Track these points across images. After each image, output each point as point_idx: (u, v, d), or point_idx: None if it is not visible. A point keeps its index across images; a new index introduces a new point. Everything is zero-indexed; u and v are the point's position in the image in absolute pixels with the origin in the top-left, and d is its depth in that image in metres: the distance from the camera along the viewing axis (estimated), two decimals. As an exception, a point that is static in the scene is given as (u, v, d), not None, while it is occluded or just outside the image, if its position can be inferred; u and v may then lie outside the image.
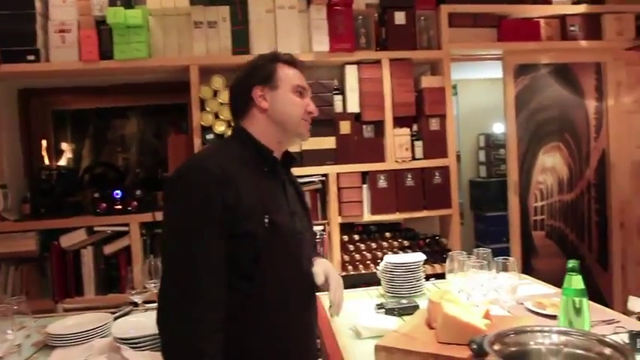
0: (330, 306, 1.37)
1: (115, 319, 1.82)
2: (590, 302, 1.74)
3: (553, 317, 1.58)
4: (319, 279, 1.35)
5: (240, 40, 2.74)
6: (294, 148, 2.63)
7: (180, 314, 1.12)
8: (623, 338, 1.36)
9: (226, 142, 1.50)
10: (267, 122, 1.34)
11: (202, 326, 1.12)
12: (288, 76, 1.36)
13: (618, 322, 1.58)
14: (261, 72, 1.36)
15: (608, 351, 0.87)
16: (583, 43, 3.15)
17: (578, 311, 1.19)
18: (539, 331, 0.96)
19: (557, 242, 3.30)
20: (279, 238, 1.25)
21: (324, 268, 1.39)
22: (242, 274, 1.21)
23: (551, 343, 0.93)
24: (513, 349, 0.93)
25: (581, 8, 3.14)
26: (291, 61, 1.40)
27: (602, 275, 3.29)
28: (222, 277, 1.17)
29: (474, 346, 1.12)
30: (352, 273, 2.74)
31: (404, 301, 1.82)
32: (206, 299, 1.13)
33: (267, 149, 1.33)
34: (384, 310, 1.77)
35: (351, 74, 2.86)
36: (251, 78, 1.36)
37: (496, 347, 0.91)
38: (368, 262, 2.81)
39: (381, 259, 2.14)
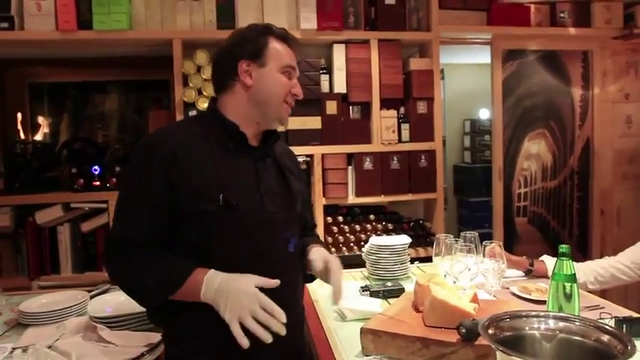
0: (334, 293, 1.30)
1: (92, 297, 1.77)
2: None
3: (539, 302, 1.58)
4: (317, 265, 1.32)
5: (226, 14, 2.66)
6: (279, 128, 2.57)
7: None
8: (610, 324, 1.36)
9: (193, 118, 1.51)
10: (248, 100, 1.28)
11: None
12: (278, 53, 1.28)
13: (602, 307, 1.58)
14: (251, 45, 1.27)
15: (605, 338, 0.85)
16: (572, 30, 3.13)
17: (568, 296, 1.17)
18: (535, 316, 0.94)
19: (539, 229, 3.33)
20: (236, 217, 1.20)
21: (322, 255, 1.35)
22: (197, 254, 1.18)
23: (546, 329, 0.91)
24: (508, 333, 0.91)
25: (572, -6, 3.12)
26: (285, 37, 1.31)
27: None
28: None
29: (463, 330, 1.10)
30: (335, 255, 2.71)
31: (389, 283, 1.80)
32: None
33: (232, 124, 1.27)
34: (368, 292, 1.75)
35: (339, 54, 2.80)
36: (239, 50, 1.27)
37: (490, 331, 0.89)
38: (351, 244, 2.79)
39: (365, 241, 2.11)
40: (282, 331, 1.09)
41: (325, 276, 1.34)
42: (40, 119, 3.17)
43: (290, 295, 1.29)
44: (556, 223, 3.36)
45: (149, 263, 1.17)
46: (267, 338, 1.07)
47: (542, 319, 0.93)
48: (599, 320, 1.37)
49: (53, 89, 3.17)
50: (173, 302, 1.18)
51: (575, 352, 0.87)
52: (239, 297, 1.09)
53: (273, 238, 1.27)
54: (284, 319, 1.10)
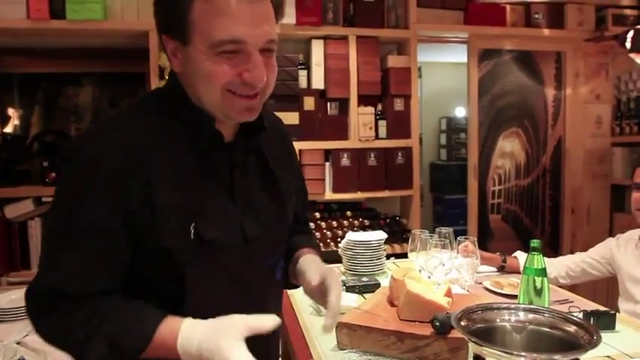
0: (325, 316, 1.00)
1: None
2: (545, 283, 1.78)
3: (510, 296, 1.61)
4: (313, 280, 1.00)
5: (204, 7, 2.63)
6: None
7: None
8: (578, 317, 1.40)
9: (150, 100, 0.97)
10: (187, 89, 0.92)
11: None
12: (206, 22, 0.82)
13: (572, 301, 1.62)
14: (167, 12, 0.87)
15: (572, 329, 0.88)
16: (546, 31, 3.20)
17: (538, 290, 1.20)
18: (506, 309, 0.96)
19: (512, 225, 3.39)
20: (212, 256, 0.90)
21: (320, 269, 1.04)
22: (165, 300, 0.87)
23: (516, 321, 0.94)
24: (480, 325, 0.93)
25: (546, -4, 3.19)
26: None
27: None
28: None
29: (437, 324, 1.11)
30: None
31: (365, 278, 1.81)
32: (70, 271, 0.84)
33: (204, 115, 0.91)
34: (344, 287, 1.76)
35: (317, 49, 2.80)
36: (158, 20, 0.90)
37: (463, 323, 0.90)
38: (328, 240, 2.80)
39: (342, 237, 2.12)
40: None
41: (315, 293, 1.04)
42: (11, 111, 3.09)
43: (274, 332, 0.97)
44: (529, 220, 3.43)
45: (98, 321, 0.83)
46: None
47: (513, 311, 0.96)
48: (568, 313, 1.41)
49: (24, 80, 3.09)
50: None
51: (545, 342, 0.90)
52: None
53: (257, 269, 1.00)
54: None
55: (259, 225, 0.97)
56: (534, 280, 1.21)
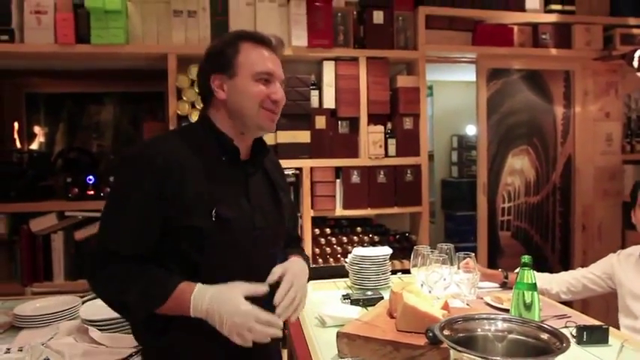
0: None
1: (83, 302, 1.84)
2: (545, 298, 1.83)
3: (509, 311, 1.66)
4: (271, 277, 1.22)
5: (220, 30, 2.75)
6: (268, 140, 2.66)
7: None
8: (572, 331, 1.44)
9: (186, 129, 1.41)
10: (227, 113, 1.25)
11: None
12: (248, 60, 1.22)
13: (569, 317, 1.66)
14: (220, 59, 1.24)
15: (545, 336, 0.94)
16: (553, 51, 3.25)
17: (528, 305, 1.26)
18: (486, 319, 1.02)
19: (523, 243, 3.41)
20: (228, 233, 1.18)
21: (285, 268, 1.25)
22: (187, 269, 1.17)
23: (496, 330, 1.00)
24: (462, 334, 0.99)
25: (553, 17, 3.25)
26: (259, 40, 1.25)
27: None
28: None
29: (430, 334, 1.18)
30: (322, 265, 2.79)
31: (369, 292, 1.87)
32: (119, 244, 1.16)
33: (226, 137, 1.25)
34: (349, 300, 1.83)
35: (329, 70, 2.91)
36: (209, 65, 1.26)
37: (446, 332, 0.97)
38: (338, 255, 2.86)
39: (352, 252, 2.19)
40: (279, 334, 1.13)
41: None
42: (37, 129, 3.24)
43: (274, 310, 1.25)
44: (539, 237, 3.44)
45: (134, 277, 1.15)
46: (267, 340, 1.11)
47: (492, 321, 1.02)
48: (564, 328, 1.46)
49: (50, 100, 3.24)
50: (160, 320, 1.16)
51: (522, 349, 0.96)
52: (232, 318, 1.09)
53: (262, 253, 1.27)
54: (281, 324, 1.13)
55: (265, 219, 1.28)
56: (524, 295, 1.27)
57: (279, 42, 1.29)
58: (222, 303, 1.10)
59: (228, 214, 1.18)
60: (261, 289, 1.15)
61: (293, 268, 1.27)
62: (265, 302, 1.16)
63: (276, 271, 1.23)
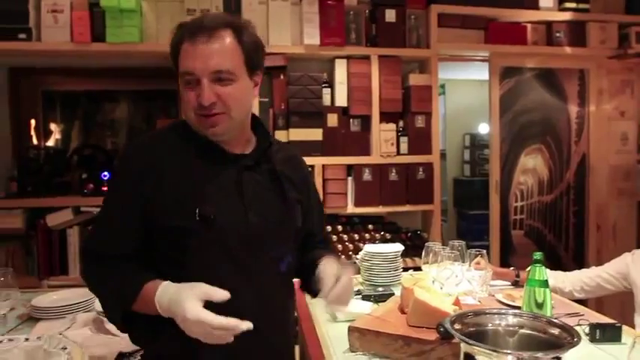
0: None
1: (99, 296, 1.87)
2: (558, 296, 1.83)
3: (520, 308, 1.66)
4: (326, 286, 1.14)
5: (233, 29, 2.77)
6: (281, 138, 2.68)
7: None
8: (585, 329, 1.44)
9: (171, 126, 1.25)
10: None
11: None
12: (181, 60, 1.10)
13: (582, 315, 1.66)
14: (171, 56, 1.15)
15: (556, 331, 0.94)
16: (567, 49, 3.23)
17: (540, 301, 1.26)
18: (497, 314, 1.03)
19: (535, 241, 3.39)
20: (214, 232, 1.10)
21: (334, 272, 1.17)
22: (176, 271, 1.10)
23: (507, 325, 1.00)
24: (472, 329, 1.00)
25: (567, 15, 3.22)
26: (190, 33, 1.10)
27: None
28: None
29: (441, 329, 1.18)
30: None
31: (380, 288, 1.88)
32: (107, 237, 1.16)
33: (199, 136, 1.15)
34: (360, 296, 1.84)
35: (341, 68, 2.91)
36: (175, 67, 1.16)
37: (457, 326, 0.98)
38: (350, 252, 2.87)
39: (363, 249, 2.20)
40: (249, 326, 0.99)
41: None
42: (53, 126, 3.29)
43: (280, 320, 1.22)
44: (552, 236, 3.42)
45: (111, 276, 1.13)
46: (238, 331, 0.99)
47: (503, 315, 1.03)
48: (577, 326, 1.46)
49: (66, 97, 3.28)
50: (148, 325, 1.12)
51: (533, 344, 0.96)
52: (188, 326, 1.00)
53: (259, 255, 1.16)
54: (244, 326, 0.98)
55: (264, 218, 1.16)
56: (536, 292, 1.27)
57: (216, 22, 1.11)
58: (177, 306, 1.01)
59: (213, 212, 1.10)
60: (219, 294, 1.01)
61: (337, 268, 1.19)
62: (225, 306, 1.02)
63: (327, 283, 1.15)
